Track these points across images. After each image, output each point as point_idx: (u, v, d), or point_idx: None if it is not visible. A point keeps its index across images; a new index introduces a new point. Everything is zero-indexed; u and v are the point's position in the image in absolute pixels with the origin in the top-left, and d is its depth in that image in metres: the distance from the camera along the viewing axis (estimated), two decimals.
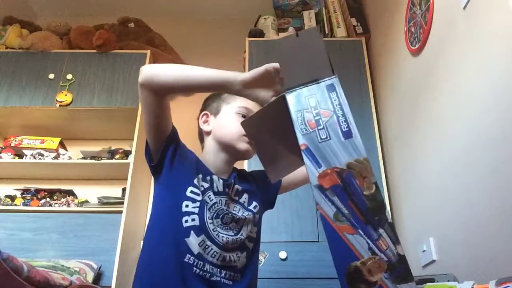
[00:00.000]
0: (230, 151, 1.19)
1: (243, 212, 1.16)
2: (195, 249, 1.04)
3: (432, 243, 1.60)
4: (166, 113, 1.08)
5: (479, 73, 1.33)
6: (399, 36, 2.04)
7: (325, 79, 0.77)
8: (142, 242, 2.37)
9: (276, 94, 0.90)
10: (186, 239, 1.04)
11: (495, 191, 1.22)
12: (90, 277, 1.97)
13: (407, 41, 1.91)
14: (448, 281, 1.21)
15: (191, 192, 1.08)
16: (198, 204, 1.07)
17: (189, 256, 1.03)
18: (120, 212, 2.25)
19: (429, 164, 1.69)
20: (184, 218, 1.06)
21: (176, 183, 1.09)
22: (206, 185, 1.11)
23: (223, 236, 1.08)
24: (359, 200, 0.69)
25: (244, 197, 1.20)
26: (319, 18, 2.76)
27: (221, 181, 1.15)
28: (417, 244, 1.70)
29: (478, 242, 1.30)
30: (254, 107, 1.20)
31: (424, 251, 1.63)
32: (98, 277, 2.09)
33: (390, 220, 0.68)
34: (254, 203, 1.21)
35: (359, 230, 0.67)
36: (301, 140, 0.73)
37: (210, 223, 1.08)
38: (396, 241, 0.67)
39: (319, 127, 0.73)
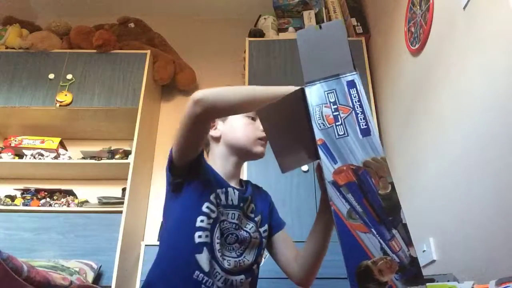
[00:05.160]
0: (242, 154, 1.19)
1: (254, 232, 1.13)
2: (206, 266, 1.01)
3: (432, 243, 1.60)
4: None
5: (479, 73, 1.33)
6: (399, 36, 2.04)
7: (346, 75, 0.75)
8: (141, 243, 2.38)
9: None
10: (197, 255, 1.01)
11: (495, 191, 1.22)
12: (90, 277, 1.97)
13: (407, 41, 1.91)
14: (448, 281, 1.21)
15: (207, 207, 1.05)
16: (211, 221, 1.05)
17: (198, 273, 1.00)
18: (120, 212, 2.26)
19: (429, 164, 1.69)
20: (197, 234, 1.03)
21: (194, 198, 1.06)
22: (218, 200, 1.09)
23: (225, 258, 1.06)
24: (374, 199, 0.68)
25: (258, 218, 1.17)
26: (319, 18, 2.76)
27: (236, 193, 1.12)
28: (417, 244, 1.68)
29: (478, 242, 1.30)
30: None
31: (424, 251, 1.63)
32: (98, 277, 2.09)
33: (404, 221, 0.67)
34: (265, 227, 1.18)
35: (372, 229, 0.67)
36: (318, 135, 0.72)
37: (217, 243, 1.05)
38: (409, 243, 0.66)
39: (337, 123, 0.72)
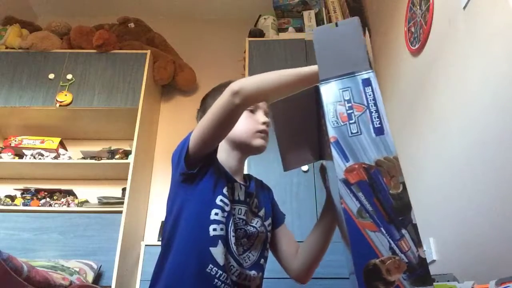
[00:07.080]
0: (244, 148, 1.15)
1: (260, 227, 1.12)
2: (221, 260, 0.99)
3: (432, 243, 1.60)
4: None
5: (479, 73, 1.33)
6: (399, 36, 2.04)
7: (361, 73, 0.75)
8: (141, 243, 2.37)
9: None
10: (211, 248, 0.99)
11: (495, 191, 1.22)
12: (90, 277, 1.97)
13: (407, 41, 1.91)
14: (448, 281, 1.21)
15: (221, 201, 1.04)
16: (226, 214, 1.03)
17: (212, 266, 0.98)
18: (120, 212, 2.26)
19: (429, 164, 1.69)
20: (212, 227, 1.01)
21: (207, 191, 1.04)
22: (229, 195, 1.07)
23: (237, 251, 1.04)
24: (385, 198, 0.68)
25: (262, 212, 1.16)
26: (319, 18, 2.76)
27: (242, 188, 1.11)
28: None
29: (478, 242, 1.30)
30: None
31: (424, 251, 1.63)
32: (98, 277, 2.09)
33: (414, 221, 0.67)
34: (269, 220, 1.17)
35: (382, 228, 0.66)
36: (331, 133, 0.71)
37: (233, 236, 1.03)
38: (418, 243, 0.66)
39: (350, 121, 0.72)
